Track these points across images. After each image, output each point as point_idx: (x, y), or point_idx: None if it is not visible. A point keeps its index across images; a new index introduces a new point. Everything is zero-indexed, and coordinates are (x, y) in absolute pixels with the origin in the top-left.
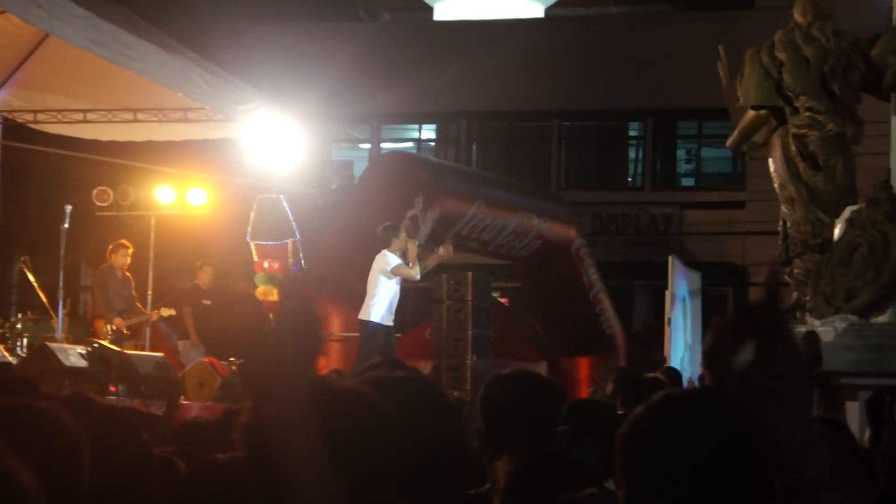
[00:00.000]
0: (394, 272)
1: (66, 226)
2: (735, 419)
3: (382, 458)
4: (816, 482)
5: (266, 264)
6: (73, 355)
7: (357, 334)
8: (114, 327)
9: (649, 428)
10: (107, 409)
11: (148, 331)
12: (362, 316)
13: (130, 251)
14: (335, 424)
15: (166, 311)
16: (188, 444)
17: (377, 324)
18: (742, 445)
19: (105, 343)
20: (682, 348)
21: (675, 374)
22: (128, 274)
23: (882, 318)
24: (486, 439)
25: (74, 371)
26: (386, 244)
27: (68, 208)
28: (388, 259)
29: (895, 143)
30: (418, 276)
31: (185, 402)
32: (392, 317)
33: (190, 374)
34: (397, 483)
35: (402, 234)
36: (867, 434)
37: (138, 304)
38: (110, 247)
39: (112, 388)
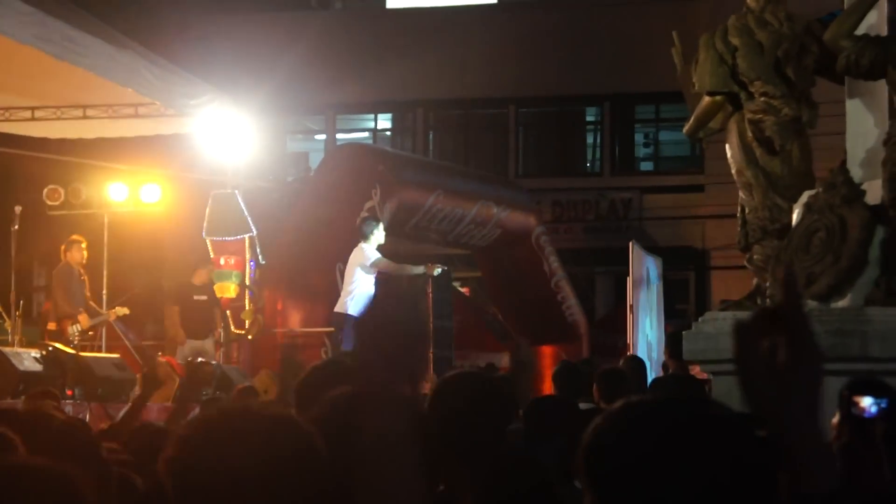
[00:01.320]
0: (374, 266)
1: (16, 227)
2: (699, 428)
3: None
4: (830, 496)
5: (223, 261)
6: (28, 359)
7: (320, 329)
8: (80, 327)
9: (611, 438)
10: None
11: (104, 331)
12: (338, 309)
13: (84, 245)
14: (263, 457)
15: (121, 311)
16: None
17: (351, 316)
18: (709, 455)
19: (60, 346)
20: (648, 333)
21: (639, 364)
22: (83, 271)
23: (842, 303)
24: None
25: (29, 375)
26: (364, 238)
27: (18, 209)
28: (367, 253)
29: (850, 127)
30: (401, 272)
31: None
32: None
33: None
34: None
35: (380, 230)
36: (834, 420)
37: (92, 303)
38: (63, 245)
39: (69, 392)
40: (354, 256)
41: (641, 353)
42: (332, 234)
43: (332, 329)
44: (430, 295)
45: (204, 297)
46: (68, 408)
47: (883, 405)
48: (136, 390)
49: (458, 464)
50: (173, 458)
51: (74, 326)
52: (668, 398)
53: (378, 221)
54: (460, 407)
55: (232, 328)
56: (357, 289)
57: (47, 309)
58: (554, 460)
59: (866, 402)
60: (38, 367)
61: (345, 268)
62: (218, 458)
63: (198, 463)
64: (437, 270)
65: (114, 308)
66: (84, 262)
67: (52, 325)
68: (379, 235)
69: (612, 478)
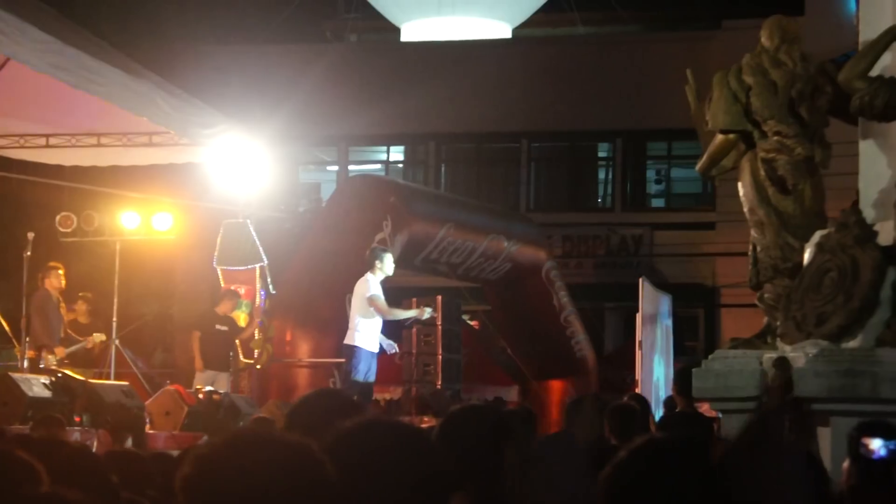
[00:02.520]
0: (370, 300)
1: (29, 253)
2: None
3: None
4: None
5: (233, 289)
6: (37, 385)
7: (328, 360)
8: (55, 358)
9: (631, 474)
10: (75, 452)
11: (112, 359)
12: (348, 341)
13: (62, 272)
14: (278, 481)
15: (99, 337)
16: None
17: (363, 349)
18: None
19: (69, 372)
20: (656, 370)
21: (642, 402)
22: (61, 298)
23: (853, 343)
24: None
25: (38, 401)
26: (370, 267)
27: (31, 235)
28: (369, 285)
29: (863, 168)
30: (390, 316)
31: (151, 432)
32: (377, 342)
33: (156, 403)
34: None
35: (389, 259)
36: (845, 464)
37: (69, 330)
38: (40, 273)
39: (77, 419)
40: (359, 287)
41: (649, 389)
42: (343, 264)
43: (339, 360)
44: (440, 328)
45: (225, 328)
46: (76, 434)
47: (892, 447)
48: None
49: (465, 498)
50: (189, 476)
51: (50, 357)
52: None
53: (386, 251)
54: (468, 440)
55: (241, 357)
56: (364, 320)
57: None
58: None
59: (875, 444)
60: (46, 394)
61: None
62: (233, 479)
63: (213, 482)
64: (427, 314)
65: (92, 335)
66: (62, 288)
67: (30, 354)
68: (388, 266)
69: None
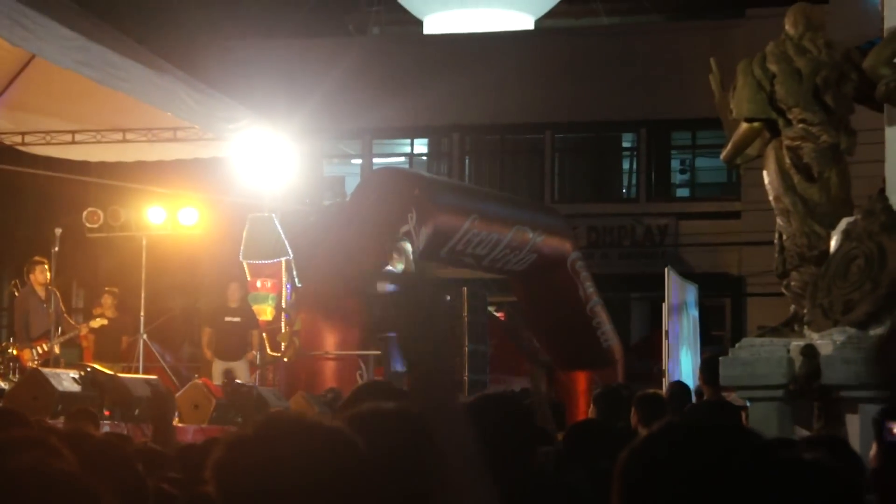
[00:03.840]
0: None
1: (56, 249)
2: (737, 451)
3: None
4: None
5: (259, 283)
6: (66, 380)
7: (355, 352)
8: (39, 351)
9: (649, 457)
10: (102, 443)
11: (140, 352)
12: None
13: (47, 265)
14: (311, 467)
15: (97, 323)
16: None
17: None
18: (744, 479)
19: (98, 366)
20: (683, 360)
21: (683, 389)
22: (51, 288)
23: (880, 330)
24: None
25: (67, 396)
26: (389, 258)
27: (58, 231)
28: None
29: (889, 155)
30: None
31: (179, 425)
32: None
33: (184, 396)
34: None
35: (408, 249)
36: (873, 450)
37: (67, 316)
38: (25, 267)
39: (106, 412)
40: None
41: (676, 379)
42: (368, 257)
43: (366, 352)
44: (466, 319)
45: (237, 319)
46: (106, 428)
47: None
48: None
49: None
50: (221, 460)
51: (32, 351)
52: (706, 424)
53: (403, 241)
54: (485, 429)
55: (268, 350)
56: None
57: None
58: (588, 485)
59: None
60: (76, 388)
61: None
62: (265, 464)
63: (245, 467)
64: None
65: (87, 322)
66: (48, 282)
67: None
68: (406, 257)
69: (644, 497)
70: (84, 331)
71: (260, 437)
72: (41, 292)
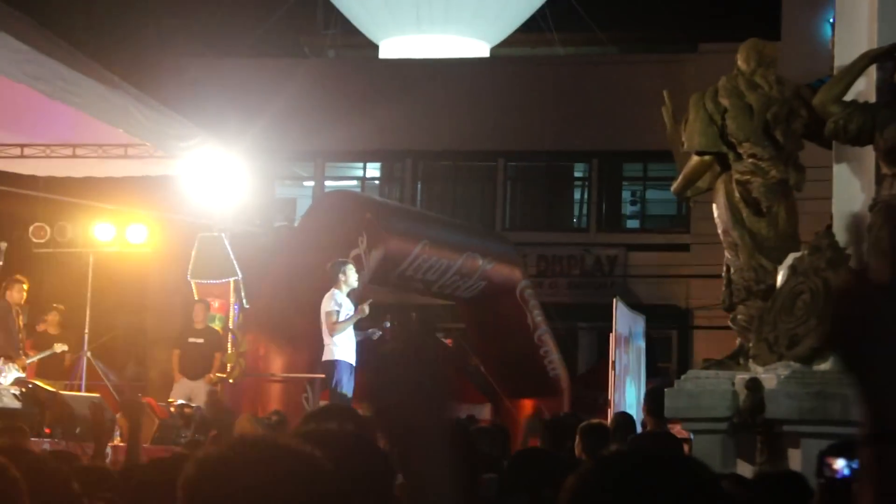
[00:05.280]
0: (325, 319)
1: (1, 263)
2: (688, 480)
3: None
4: None
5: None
6: (7, 396)
7: (301, 375)
8: (19, 368)
9: (595, 485)
10: (39, 461)
11: (83, 370)
12: (327, 357)
13: (26, 287)
14: (280, 487)
15: (59, 347)
16: (125, 491)
17: (343, 362)
18: None
19: (40, 383)
20: (629, 390)
21: (627, 420)
22: (20, 311)
23: (824, 366)
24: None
25: (7, 412)
26: (333, 282)
27: (3, 245)
28: (330, 301)
29: (837, 192)
30: (335, 332)
31: (122, 445)
32: (354, 354)
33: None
34: None
35: (351, 271)
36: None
37: (29, 342)
38: (3, 283)
39: (47, 430)
40: (324, 302)
41: (621, 410)
42: (318, 280)
43: (313, 375)
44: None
45: (200, 341)
46: (45, 445)
47: (855, 466)
48: (117, 430)
49: None
50: (191, 479)
51: (10, 365)
52: (654, 454)
53: (347, 263)
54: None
55: (213, 371)
56: (337, 336)
57: None
58: None
59: (839, 464)
60: (16, 405)
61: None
62: (235, 483)
63: (215, 486)
64: (367, 310)
65: (57, 343)
66: (22, 303)
67: None
68: (351, 279)
69: None
70: (58, 349)
71: (230, 456)
72: (15, 312)
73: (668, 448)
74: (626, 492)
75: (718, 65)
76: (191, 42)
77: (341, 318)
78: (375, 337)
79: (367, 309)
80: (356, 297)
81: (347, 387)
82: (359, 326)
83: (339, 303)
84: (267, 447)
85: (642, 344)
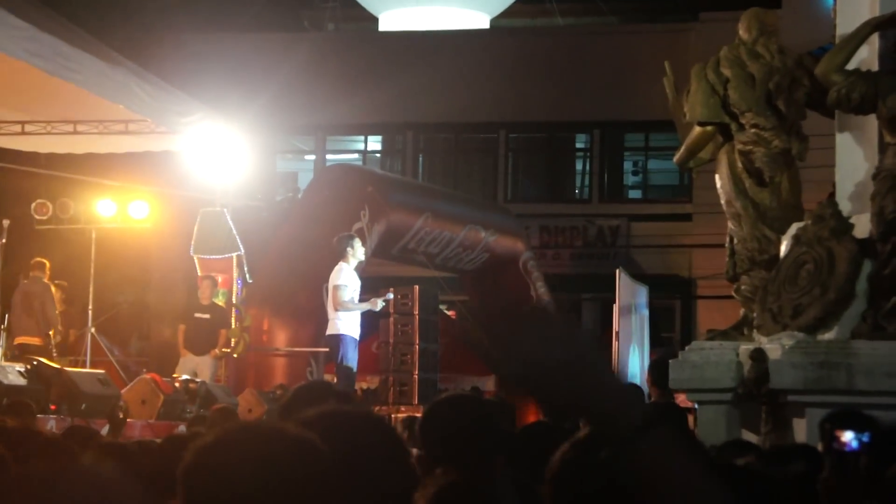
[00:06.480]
0: (333, 290)
1: (4, 240)
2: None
3: None
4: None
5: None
6: (12, 373)
7: (305, 349)
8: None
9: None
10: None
11: (88, 347)
12: (331, 331)
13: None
14: (279, 474)
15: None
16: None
17: (347, 336)
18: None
19: (45, 360)
20: (632, 361)
21: (637, 391)
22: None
23: (828, 335)
24: (422, 462)
25: (13, 389)
26: (341, 255)
27: (6, 222)
28: (340, 274)
29: (840, 160)
30: (342, 309)
31: (127, 421)
32: (358, 328)
33: (132, 392)
34: None
35: (358, 245)
36: None
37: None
38: (34, 262)
39: (52, 407)
40: (333, 276)
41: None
42: (320, 254)
43: (316, 349)
44: (417, 317)
45: (206, 316)
46: (51, 423)
47: (865, 439)
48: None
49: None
50: (190, 466)
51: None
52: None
53: (354, 237)
54: (452, 431)
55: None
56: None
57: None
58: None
59: (848, 437)
60: (22, 382)
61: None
62: (234, 470)
63: (214, 473)
64: (380, 305)
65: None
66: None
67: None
68: (359, 252)
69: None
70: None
71: (228, 444)
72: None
73: (672, 419)
74: (599, 473)
75: (720, 34)
76: (191, 17)
77: (348, 297)
78: (378, 307)
79: (379, 304)
80: (361, 270)
81: (353, 360)
82: (363, 299)
83: (348, 278)
84: (265, 433)
85: (646, 313)
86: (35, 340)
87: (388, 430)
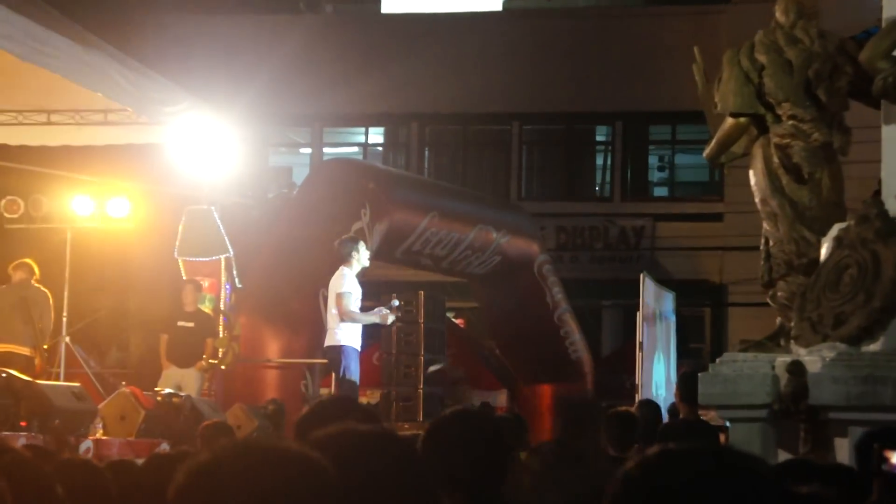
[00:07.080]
0: (337, 298)
1: None
2: (736, 481)
3: None
4: None
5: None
6: None
7: (300, 360)
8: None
9: (643, 488)
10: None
11: (62, 358)
12: (330, 342)
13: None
14: (282, 497)
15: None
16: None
17: (349, 348)
18: None
19: (14, 372)
20: (658, 374)
21: (653, 409)
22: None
23: (874, 347)
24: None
25: None
26: (344, 260)
27: None
28: (344, 280)
29: (886, 155)
30: (348, 319)
31: (105, 438)
32: (360, 339)
33: (110, 406)
34: None
35: (363, 249)
36: None
37: None
38: (24, 264)
39: (23, 423)
40: (334, 282)
41: (649, 394)
42: (316, 257)
43: (312, 361)
44: (422, 326)
45: (191, 325)
46: (21, 440)
47: None
48: (99, 422)
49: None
50: (183, 487)
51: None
52: (698, 448)
53: (357, 241)
54: (457, 448)
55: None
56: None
57: None
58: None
59: None
60: None
61: (328, 294)
62: (230, 491)
63: (209, 495)
64: (391, 319)
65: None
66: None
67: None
68: (364, 257)
69: None
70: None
71: (224, 464)
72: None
73: (701, 439)
74: (679, 487)
75: (753, 17)
76: None
77: (353, 306)
78: (389, 322)
79: (390, 319)
80: (361, 274)
81: (356, 373)
82: (364, 307)
83: (352, 285)
84: (266, 452)
85: (673, 321)
86: (24, 350)
87: (407, 454)
